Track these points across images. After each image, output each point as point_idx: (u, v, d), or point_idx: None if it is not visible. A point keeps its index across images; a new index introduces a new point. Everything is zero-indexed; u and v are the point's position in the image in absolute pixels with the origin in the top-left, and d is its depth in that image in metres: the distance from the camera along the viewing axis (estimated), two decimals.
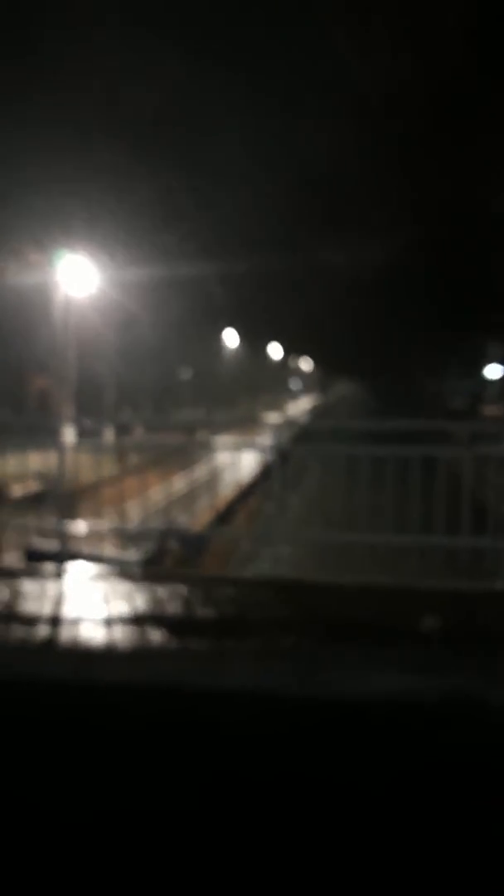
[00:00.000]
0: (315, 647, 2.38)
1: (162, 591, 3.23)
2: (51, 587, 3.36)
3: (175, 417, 31.99)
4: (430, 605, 3.18)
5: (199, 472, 9.17)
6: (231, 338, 37.23)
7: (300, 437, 21.09)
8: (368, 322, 25.37)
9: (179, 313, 23.60)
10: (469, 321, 24.27)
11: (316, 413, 56.26)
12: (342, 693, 2.18)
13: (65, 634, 2.60)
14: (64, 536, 4.23)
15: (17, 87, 8.27)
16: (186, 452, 7.75)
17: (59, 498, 4.71)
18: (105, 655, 2.37)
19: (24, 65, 8.12)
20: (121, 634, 2.51)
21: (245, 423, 35.63)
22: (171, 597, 3.10)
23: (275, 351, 54.56)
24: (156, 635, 2.48)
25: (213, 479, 10.16)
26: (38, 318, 18.58)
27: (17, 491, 8.79)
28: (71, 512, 5.27)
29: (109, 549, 6.68)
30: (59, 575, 3.69)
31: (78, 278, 15.99)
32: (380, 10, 8.32)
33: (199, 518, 9.68)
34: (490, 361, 28.60)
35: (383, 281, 19.21)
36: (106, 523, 4.89)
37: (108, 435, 21.30)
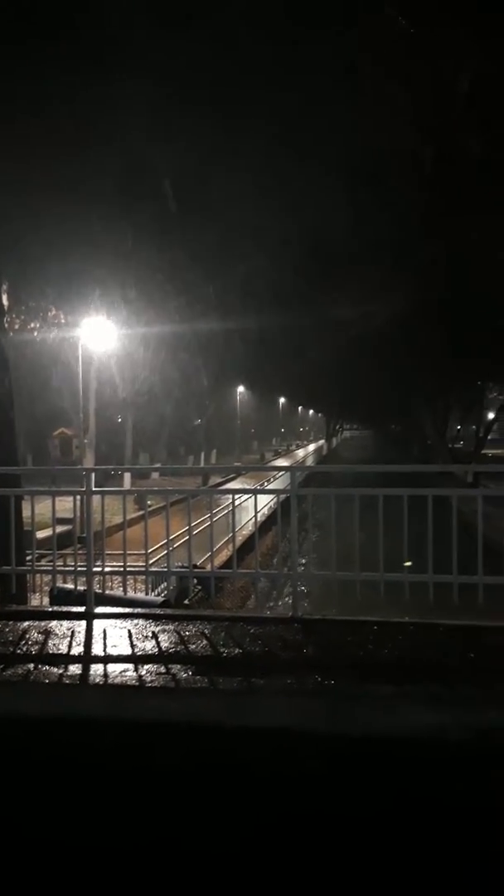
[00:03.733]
0: (342, 684, 2.67)
1: (187, 630, 3.55)
2: (78, 627, 3.68)
3: (189, 464, 32.47)
4: (453, 641, 3.45)
5: (216, 512, 9.44)
6: (242, 388, 37.95)
7: (311, 479, 21.25)
8: (372, 372, 25.90)
9: (194, 365, 24.32)
10: (469, 368, 24.81)
11: (324, 457, 56.63)
12: (371, 730, 2.45)
13: (94, 673, 2.93)
14: (88, 578, 4.51)
15: (42, 160, 9.01)
16: (202, 495, 8.06)
17: (83, 541, 4.87)
18: (135, 693, 2.68)
19: (47, 139, 8.85)
20: (149, 673, 2.85)
21: (257, 467, 35.92)
22: (197, 636, 3.44)
23: (284, 399, 55.40)
24: (185, 673, 2.81)
25: (229, 520, 10.39)
26: (60, 372, 19.35)
27: (42, 535, 9.14)
28: (94, 554, 5.53)
29: (131, 590, 6.93)
30: (85, 616, 3.98)
31: (98, 335, 16.75)
32: (384, 86, 9.04)
33: (217, 557, 9.94)
34: (490, 405, 29.01)
35: (386, 334, 19.81)
36: (127, 565, 5.02)
37: (127, 480, 21.58)
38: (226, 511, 9.53)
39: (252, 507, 11.39)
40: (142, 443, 29.57)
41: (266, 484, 21.25)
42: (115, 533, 5.84)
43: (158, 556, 7.48)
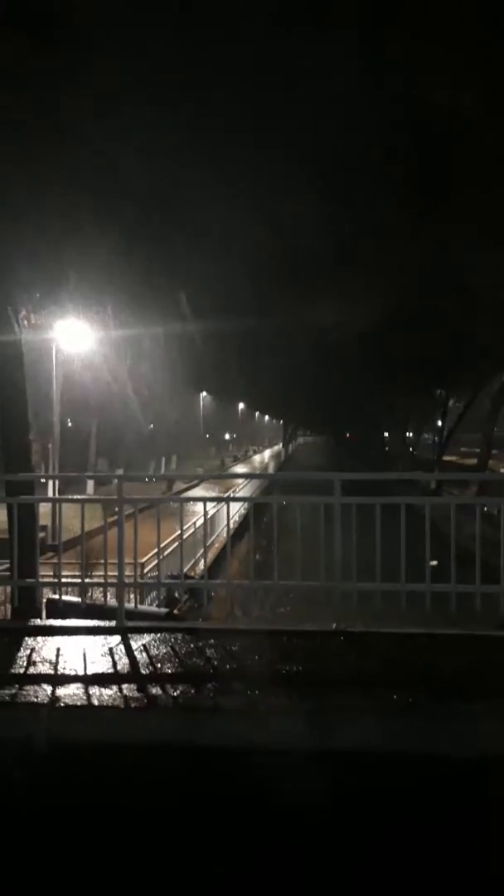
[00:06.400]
0: (422, 702, 2.58)
1: (232, 645, 3.44)
2: (116, 643, 3.53)
3: (151, 470, 32.03)
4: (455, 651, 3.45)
5: (187, 520, 9.27)
6: (205, 393, 37.85)
7: (273, 487, 21.14)
8: (332, 380, 26.28)
9: (155, 370, 24.09)
10: (428, 376, 25.49)
11: (282, 462, 56.98)
12: (461, 749, 2.34)
13: (156, 694, 2.80)
14: (119, 590, 4.36)
15: (17, 161, 8.73)
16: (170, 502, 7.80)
17: (75, 549, 4.67)
18: (211, 717, 2.55)
19: (23, 139, 8.61)
20: (216, 694, 2.73)
21: (218, 474, 35.74)
22: (247, 651, 3.36)
23: (243, 405, 55.47)
24: (254, 693, 2.70)
25: (202, 528, 10.30)
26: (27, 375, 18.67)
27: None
28: (82, 563, 5.31)
29: (118, 601, 6.74)
30: (118, 631, 3.81)
31: (68, 339, 16.39)
32: (356, 99, 9.18)
33: (195, 566, 9.84)
34: (448, 413, 29.88)
35: (347, 343, 20.15)
36: (112, 574, 4.76)
37: (90, 487, 20.93)
38: (198, 518, 9.44)
39: (223, 516, 11.36)
40: (99, 448, 29.04)
41: (235, 492, 21.21)
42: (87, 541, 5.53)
43: (139, 565, 7.33)
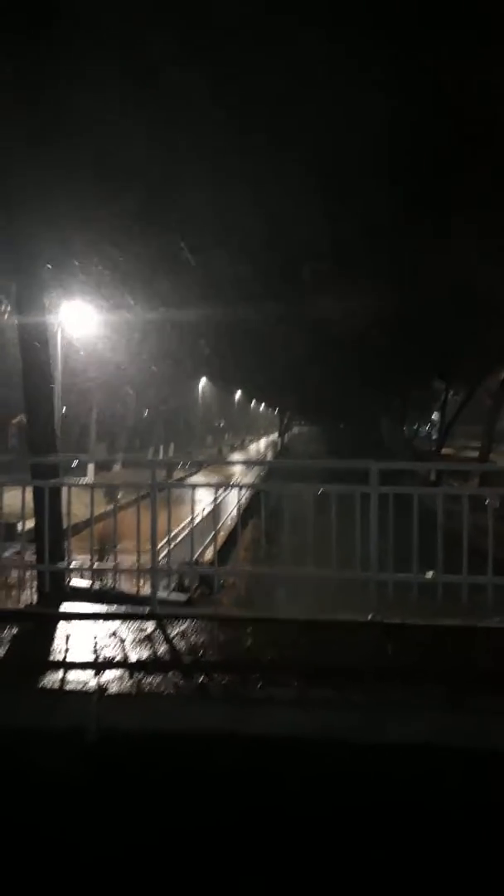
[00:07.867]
0: (471, 697, 2.51)
1: (271, 635, 3.34)
2: (153, 630, 3.44)
3: (149, 457, 31.90)
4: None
5: (191, 507, 9.15)
6: (205, 380, 37.70)
7: (273, 474, 20.99)
8: (330, 369, 26.24)
9: (155, 356, 23.91)
10: (424, 370, 25.50)
11: (278, 452, 56.96)
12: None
13: (204, 683, 2.71)
14: (153, 577, 4.26)
15: (26, 145, 8.56)
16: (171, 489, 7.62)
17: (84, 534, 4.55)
18: (259, 707, 2.47)
19: (31, 123, 8.42)
20: (265, 683, 2.65)
21: (217, 461, 35.55)
22: (289, 642, 3.24)
23: (240, 393, 55.29)
24: (301, 683, 2.61)
25: (207, 515, 10.20)
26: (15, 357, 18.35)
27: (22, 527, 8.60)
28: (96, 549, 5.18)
29: (152, 588, 6.66)
30: (153, 617, 3.74)
31: (67, 321, 16.19)
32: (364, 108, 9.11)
33: (205, 553, 9.76)
34: (444, 406, 29.90)
35: (346, 333, 20.13)
36: (124, 561, 4.63)
37: (90, 472, 20.81)
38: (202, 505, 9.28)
39: (226, 502, 11.18)
40: (104, 432, 28.86)
41: (238, 480, 21.13)
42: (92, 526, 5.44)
43: (149, 553, 7.19)
